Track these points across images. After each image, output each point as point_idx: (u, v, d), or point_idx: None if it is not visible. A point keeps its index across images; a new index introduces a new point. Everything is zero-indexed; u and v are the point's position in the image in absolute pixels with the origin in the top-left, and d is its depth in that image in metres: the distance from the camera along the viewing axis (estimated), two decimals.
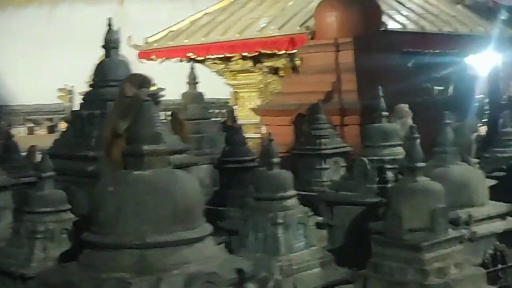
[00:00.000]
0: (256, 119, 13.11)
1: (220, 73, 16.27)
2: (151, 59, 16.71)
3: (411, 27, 14.92)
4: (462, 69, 17.31)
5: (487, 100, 15.86)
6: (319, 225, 5.98)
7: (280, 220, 4.92)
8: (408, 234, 4.21)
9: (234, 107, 15.55)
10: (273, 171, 5.14)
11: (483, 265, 5.37)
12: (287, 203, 5.05)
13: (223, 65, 15.93)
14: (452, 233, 4.39)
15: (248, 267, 3.50)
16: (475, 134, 6.83)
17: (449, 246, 4.28)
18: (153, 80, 4.77)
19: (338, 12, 11.23)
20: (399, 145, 6.90)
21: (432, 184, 4.43)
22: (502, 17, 17.96)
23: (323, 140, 8.50)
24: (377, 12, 11.88)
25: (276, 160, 5.16)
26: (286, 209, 5.01)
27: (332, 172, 8.27)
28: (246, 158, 8.14)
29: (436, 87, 16.11)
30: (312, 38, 12.40)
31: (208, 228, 3.60)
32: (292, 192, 5.15)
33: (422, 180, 4.42)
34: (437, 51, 15.52)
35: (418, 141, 4.61)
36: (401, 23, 14.80)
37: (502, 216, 5.78)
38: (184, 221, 3.49)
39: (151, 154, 3.60)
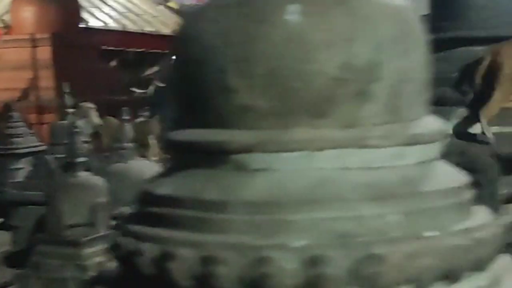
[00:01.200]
0: None
1: None
2: None
3: (113, 25, 15.00)
4: (166, 69, 17.81)
5: None
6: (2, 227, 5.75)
7: None
8: (68, 230, 4.20)
9: None
10: None
11: None
12: None
13: None
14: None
15: None
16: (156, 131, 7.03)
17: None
18: None
19: (34, 7, 10.97)
20: (85, 142, 6.87)
21: (93, 179, 4.46)
22: None
23: (16, 139, 8.24)
24: (77, 8, 11.81)
25: None
26: None
27: (26, 172, 8.03)
28: None
29: (138, 85, 16.39)
30: (8, 33, 11.98)
31: None
32: None
33: (82, 175, 4.43)
34: (140, 50, 15.78)
35: (79, 136, 4.62)
36: (102, 21, 14.81)
37: None
38: None
39: None
